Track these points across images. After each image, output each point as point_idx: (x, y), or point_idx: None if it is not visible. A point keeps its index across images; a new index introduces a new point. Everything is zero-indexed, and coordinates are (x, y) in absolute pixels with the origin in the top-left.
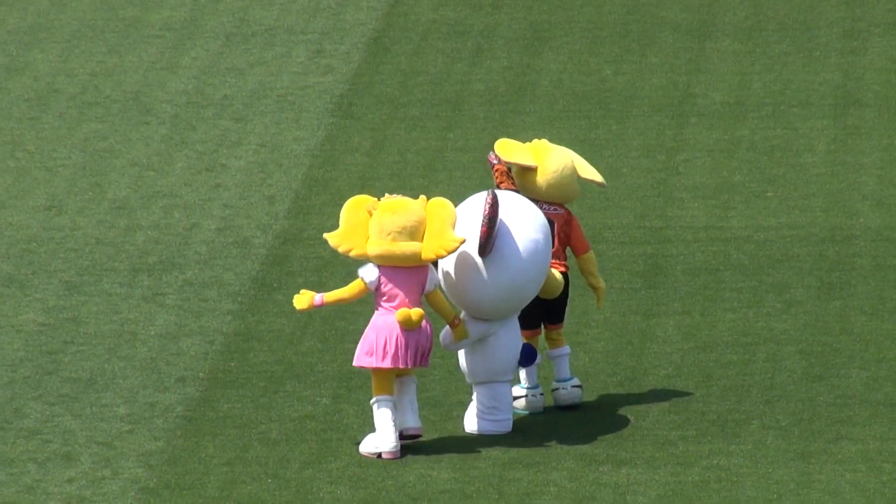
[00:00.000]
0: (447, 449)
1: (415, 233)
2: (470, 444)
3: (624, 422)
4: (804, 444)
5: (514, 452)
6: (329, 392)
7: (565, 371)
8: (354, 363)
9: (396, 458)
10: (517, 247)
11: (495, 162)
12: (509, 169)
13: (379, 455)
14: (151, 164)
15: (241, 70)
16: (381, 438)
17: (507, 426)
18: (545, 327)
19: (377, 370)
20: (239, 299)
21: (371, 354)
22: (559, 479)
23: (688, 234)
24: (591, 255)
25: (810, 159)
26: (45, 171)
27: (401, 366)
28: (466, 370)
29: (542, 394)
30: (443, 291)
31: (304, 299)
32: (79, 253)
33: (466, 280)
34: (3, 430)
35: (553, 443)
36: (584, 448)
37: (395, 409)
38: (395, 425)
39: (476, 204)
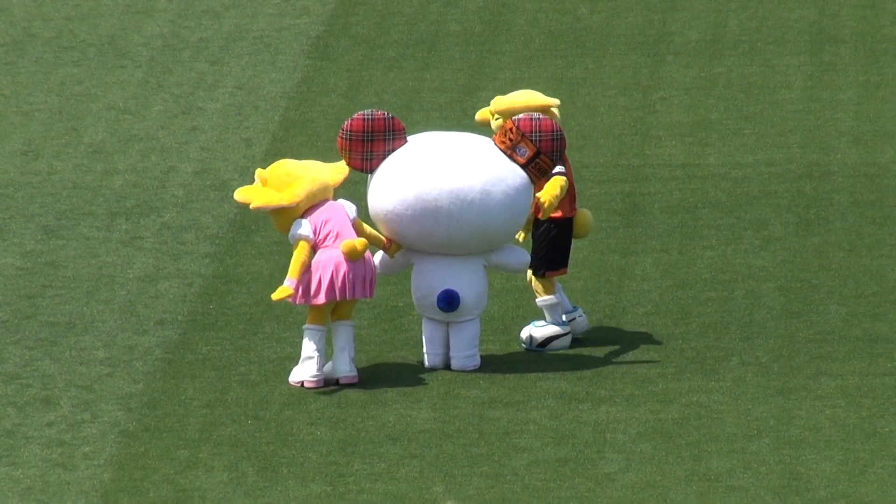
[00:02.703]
0: (427, 389)
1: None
2: (449, 383)
3: (603, 360)
4: (783, 380)
5: (494, 391)
6: None
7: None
8: (298, 301)
9: (319, 387)
10: (402, 178)
11: (514, 120)
12: (515, 130)
13: (302, 384)
14: (128, 107)
15: (217, 12)
16: (305, 367)
17: (428, 360)
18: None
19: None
20: (217, 242)
21: (318, 293)
22: (539, 418)
23: (665, 172)
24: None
25: (787, 96)
26: (21, 115)
27: (348, 297)
28: None
29: (584, 313)
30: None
31: (282, 292)
32: (56, 197)
33: (369, 201)
34: None
35: (532, 382)
36: (564, 386)
37: (331, 345)
38: (320, 355)
39: (415, 143)
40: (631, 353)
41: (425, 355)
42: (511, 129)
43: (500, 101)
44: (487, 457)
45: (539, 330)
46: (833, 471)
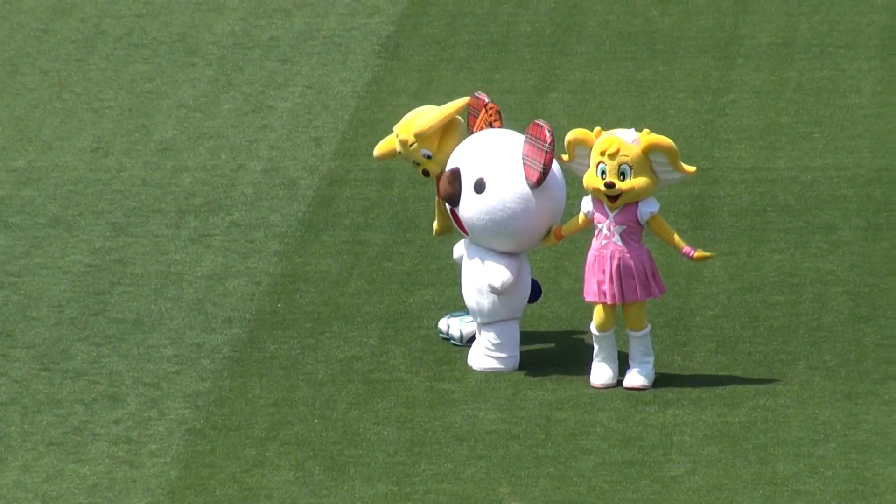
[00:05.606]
0: (493, 390)
1: None
2: (516, 384)
3: (670, 362)
4: (851, 385)
5: (561, 393)
6: (376, 333)
7: None
8: (656, 293)
9: None
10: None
11: (487, 101)
12: (491, 106)
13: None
14: (198, 105)
15: (288, 11)
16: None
17: (514, 363)
18: None
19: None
20: (285, 240)
21: (661, 285)
22: (606, 420)
23: (734, 175)
24: None
25: (857, 100)
26: (91, 112)
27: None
28: (486, 309)
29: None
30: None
31: (705, 254)
32: (125, 194)
33: (526, 212)
34: (50, 371)
35: None
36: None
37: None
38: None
39: (513, 142)
40: (698, 355)
41: (511, 359)
42: (495, 109)
43: (419, 125)
44: (554, 458)
45: (467, 326)
46: None
